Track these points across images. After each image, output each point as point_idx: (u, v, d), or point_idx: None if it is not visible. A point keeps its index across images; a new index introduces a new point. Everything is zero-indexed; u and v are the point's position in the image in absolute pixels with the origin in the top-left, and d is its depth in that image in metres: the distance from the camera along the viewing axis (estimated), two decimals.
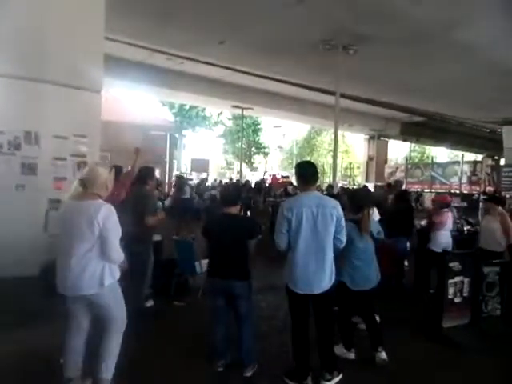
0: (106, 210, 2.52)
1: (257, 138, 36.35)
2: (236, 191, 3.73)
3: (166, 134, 20.10)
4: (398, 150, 38.37)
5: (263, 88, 16.90)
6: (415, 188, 19.85)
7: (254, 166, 38.09)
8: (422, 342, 4.08)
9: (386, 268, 3.95)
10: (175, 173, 23.40)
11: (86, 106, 5.91)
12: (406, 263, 6.19)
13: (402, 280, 5.72)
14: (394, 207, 5.75)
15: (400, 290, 5.48)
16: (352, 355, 3.57)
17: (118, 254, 2.59)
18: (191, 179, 21.00)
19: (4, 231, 5.19)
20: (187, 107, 28.92)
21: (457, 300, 4.37)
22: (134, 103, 23.39)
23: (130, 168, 4.89)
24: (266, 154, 38.85)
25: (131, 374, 2.82)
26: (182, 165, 29.42)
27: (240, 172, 23.69)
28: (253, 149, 36.44)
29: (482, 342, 4.07)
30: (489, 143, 24.83)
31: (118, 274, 2.66)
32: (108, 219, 2.51)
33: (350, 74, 11.00)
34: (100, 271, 2.54)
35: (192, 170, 25.11)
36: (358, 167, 31.06)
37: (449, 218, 5.55)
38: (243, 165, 27.83)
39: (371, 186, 17.16)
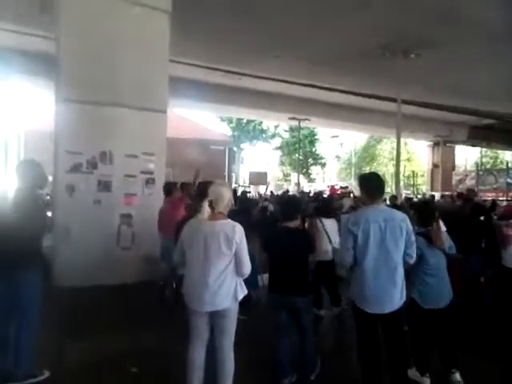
0: (240, 229, 2.69)
1: (313, 149, 36.07)
2: (296, 205, 3.69)
3: (224, 149, 20.71)
4: (466, 156, 35.83)
5: (320, 99, 16.81)
6: (488, 196, 18.33)
7: (312, 177, 37.75)
8: (506, 366, 3.69)
9: (457, 286, 3.67)
10: (234, 185, 23.93)
11: (153, 126, 6.31)
12: (482, 280, 5.69)
13: (480, 300, 5.25)
14: (470, 220, 5.33)
15: (478, 312, 5.03)
16: (427, 381, 3.32)
17: (249, 269, 2.74)
18: (249, 192, 21.30)
19: (82, 242, 5.65)
20: (245, 121, 29.60)
21: None
22: (194, 120, 24.47)
23: (189, 185, 5.20)
24: (323, 165, 38.36)
25: None
26: (241, 178, 30.01)
27: (298, 183, 23.60)
28: (310, 160, 36.17)
29: None
30: None
31: (245, 289, 2.79)
32: (242, 237, 2.69)
33: (411, 80, 10.59)
34: (234, 286, 2.70)
35: (250, 183, 25.50)
36: (422, 175, 29.44)
37: None
38: (300, 176, 27.70)
39: (437, 196, 16.16)
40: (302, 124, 20.53)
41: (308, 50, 10.22)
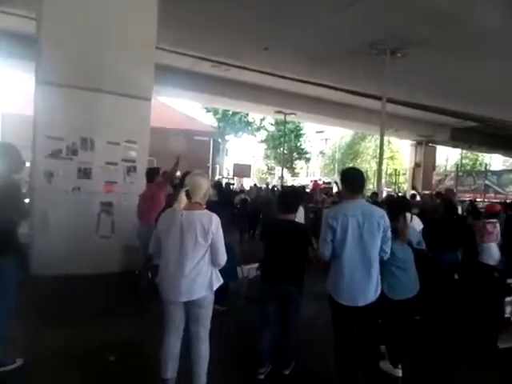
0: (216, 219, 2.69)
1: (298, 144, 36.22)
2: (295, 198, 3.72)
3: (209, 140, 20.57)
4: (448, 157, 36.63)
5: (307, 93, 16.83)
6: (466, 197, 18.82)
7: (296, 171, 37.94)
8: (476, 364, 3.83)
9: (425, 279, 3.81)
10: (217, 177, 23.85)
11: (137, 114, 6.21)
12: (455, 277, 5.86)
13: (451, 295, 5.42)
14: (443, 219, 5.46)
15: (450, 307, 5.20)
16: (399, 371, 3.42)
17: (225, 260, 2.75)
18: (233, 184, 21.26)
19: (60, 230, 5.55)
20: (230, 113, 29.44)
21: None
22: (179, 109, 24.17)
23: (168, 171, 5.30)
24: (307, 160, 38.59)
25: (181, 375, 2.89)
26: (225, 170, 29.91)
27: (282, 177, 23.68)
28: (294, 154, 36.33)
29: None
30: None
31: (221, 279, 2.79)
32: (219, 228, 2.69)
33: (397, 79, 10.68)
34: (210, 276, 2.70)
35: (234, 175, 25.44)
36: (404, 174, 29.96)
37: (498, 229, 5.21)
38: (285, 170, 27.79)
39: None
40: (288, 118, 20.54)
41: (296, 44, 10.20)
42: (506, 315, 4.02)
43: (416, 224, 4.37)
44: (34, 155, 5.79)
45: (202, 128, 21.42)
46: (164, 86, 13.98)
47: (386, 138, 25.49)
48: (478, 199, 18.14)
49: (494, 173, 21.43)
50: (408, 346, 3.60)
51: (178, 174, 5.68)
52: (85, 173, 5.95)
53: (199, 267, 2.64)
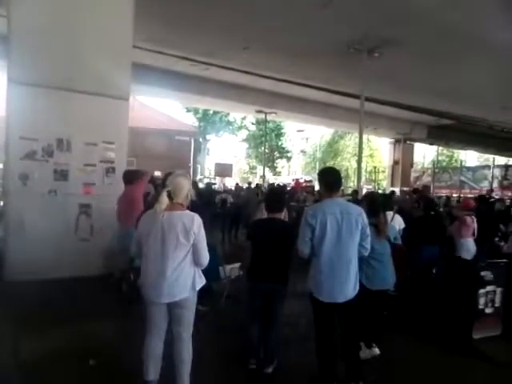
0: (198, 220, 2.68)
1: (280, 143, 36.37)
2: (282, 197, 3.78)
3: (190, 140, 20.42)
4: (425, 154, 37.47)
5: (287, 93, 16.92)
6: (443, 193, 19.31)
7: (277, 170, 38.09)
8: (451, 353, 3.96)
9: (401, 272, 3.98)
10: (199, 177, 23.70)
11: (115, 114, 6.10)
12: (433, 271, 6.02)
13: (429, 288, 5.57)
14: (422, 215, 5.60)
15: (428, 299, 5.34)
16: (376, 350, 3.57)
17: (207, 260, 2.74)
18: (215, 183, 21.19)
19: (37, 234, 5.41)
20: (211, 112, 29.30)
21: (488, 310, 4.22)
22: (159, 109, 23.88)
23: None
24: (288, 159, 38.80)
25: (164, 377, 2.87)
26: (206, 169, 29.76)
27: (263, 176, 23.74)
28: (276, 153, 36.46)
29: (510, 352, 3.93)
30: None
31: (203, 279, 2.78)
32: (201, 228, 2.67)
33: (375, 78, 10.86)
34: (192, 276, 2.69)
35: (216, 175, 25.35)
36: (383, 171, 30.50)
37: (474, 224, 5.38)
38: (266, 169, 27.86)
39: (397, 191, 16.81)
40: (269, 117, 20.61)
41: (276, 43, 10.24)
42: (480, 307, 4.16)
43: (397, 222, 4.49)
44: (7, 157, 5.61)
45: (183, 128, 21.23)
46: (143, 85, 13.81)
47: (365, 136, 25.89)
48: (454, 195, 18.65)
49: (469, 169, 22.04)
50: (384, 333, 3.76)
51: (159, 174, 5.63)
52: (61, 174, 5.80)
53: (181, 268, 2.62)
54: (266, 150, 28.31)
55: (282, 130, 36.04)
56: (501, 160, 26.83)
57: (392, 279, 3.65)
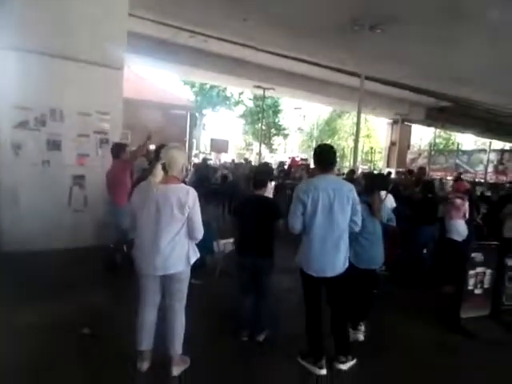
0: (193, 193, 2.66)
1: (277, 120, 35.97)
2: (266, 174, 3.83)
3: (186, 113, 20.09)
4: (422, 136, 37.35)
5: (286, 69, 16.61)
6: (438, 175, 19.37)
7: (274, 147, 37.85)
8: (439, 331, 4.07)
9: (391, 254, 4.03)
10: (194, 152, 23.51)
11: (108, 83, 5.95)
12: (424, 251, 6.10)
13: (422, 268, 5.68)
14: (421, 197, 5.63)
15: (419, 279, 5.45)
16: (360, 336, 3.62)
17: (201, 234, 2.73)
18: (210, 159, 21.05)
19: (31, 205, 5.37)
20: (208, 86, 28.77)
21: (477, 291, 4.30)
22: (155, 81, 23.37)
23: (137, 149, 5.09)
24: (285, 136, 38.50)
25: (157, 347, 2.91)
26: (202, 144, 29.51)
27: (259, 153, 23.60)
28: (272, 130, 36.13)
29: (500, 334, 4.03)
30: None
31: (197, 253, 2.78)
32: (196, 201, 2.66)
33: (376, 56, 10.68)
34: (186, 250, 2.69)
35: (212, 150, 25.15)
36: (380, 152, 30.46)
37: (466, 207, 5.41)
38: (262, 146, 27.69)
39: (393, 172, 16.84)
40: (267, 93, 20.29)
41: (276, 17, 9.95)
42: (470, 287, 4.23)
43: (389, 202, 4.49)
44: None
45: (179, 101, 20.81)
46: (139, 55, 13.46)
47: (363, 116, 25.66)
48: (448, 177, 18.74)
49: (464, 152, 22.03)
50: (372, 311, 3.81)
51: (152, 147, 5.52)
52: (54, 145, 5.71)
53: (176, 241, 2.62)
54: (263, 127, 28.06)
55: (280, 107, 35.58)
56: (497, 144, 26.88)
57: (380, 259, 3.69)
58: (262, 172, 3.97)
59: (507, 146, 27.98)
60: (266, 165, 11.17)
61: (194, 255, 2.75)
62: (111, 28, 5.90)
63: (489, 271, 4.37)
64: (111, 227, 4.92)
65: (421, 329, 4.07)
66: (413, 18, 8.95)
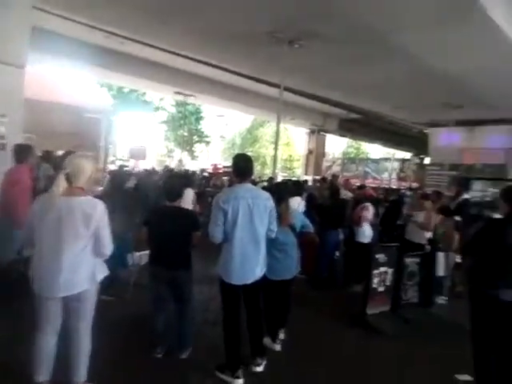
0: (101, 206, 2.44)
1: (199, 127, 35.69)
2: (180, 184, 3.73)
3: (101, 118, 18.95)
4: (336, 145, 39.99)
5: (207, 76, 16.57)
6: (358, 182, 20.86)
7: (195, 154, 37.38)
8: (347, 327, 4.36)
9: (310, 263, 4.18)
10: (111, 159, 22.28)
11: (7, 83, 5.36)
12: (337, 254, 6.50)
13: (333, 271, 6.04)
14: (329, 202, 5.99)
15: (332, 281, 5.79)
16: (278, 347, 3.72)
17: (110, 250, 2.53)
18: (127, 166, 20.09)
19: None
20: (127, 90, 27.54)
21: (380, 289, 4.70)
22: (67, 82, 21.70)
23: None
24: (207, 143, 38.32)
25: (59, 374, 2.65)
26: (119, 151, 28.07)
27: (180, 160, 23.17)
28: (195, 137, 35.75)
29: (399, 327, 4.46)
30: (417, 143, 26.72)
31: (106, 270, 2.58)
32: (103, 215, 2.44)
33: (294, 68, 11.18)
34: (93, 267, 2.47)
35: (130, 157, 24.02)
36: (298, 160, 31.89)
37: (371, 211, 5.90)
38: (185, 153, 27.25)
39: (310, 179, 17.76)
40: (189, 99, 20.07)
41: (196, 22, 9.88)
42: (374, 286, 4.61)
43: (300, 207, 4.70)
44: None
45: (94, 104, 19.60)
46: (49, 54, 12.37)
47: (282, 125, 26.72)
48: (357, 184, 20.28)
49: (373, 160, 24.17)
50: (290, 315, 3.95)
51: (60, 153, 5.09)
52: None
53: (80, 259, 2.40)
54: (185, 134, 27.65)
55: (201, 114, 35.37)
56: (401, 154, 29.87)
57: (295, 268, 3.78)
58: (175, 182, 3.84)
59: (408, 155, 31.24)
60: (186, 172, 10.98)
61: (102, 272, 2.57)
62: (11, 21, 5.34)
63: (390, 270, 4.82)
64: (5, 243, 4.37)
65: (333, 327, 4.35)
66: (329, 37, 9.52)
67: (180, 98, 19.54)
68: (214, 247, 3.21)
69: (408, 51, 9.72)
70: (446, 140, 18.59)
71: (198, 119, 35.00)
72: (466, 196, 6.04)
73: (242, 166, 3.17)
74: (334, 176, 9.79)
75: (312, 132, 26.09)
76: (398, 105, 16.67)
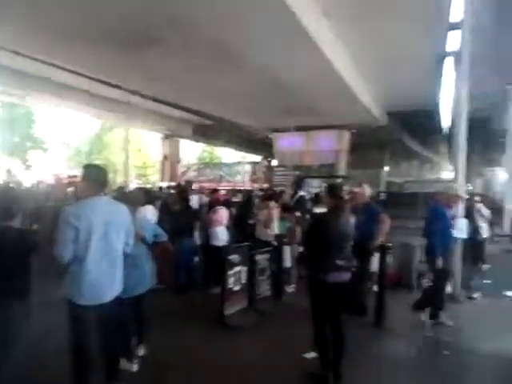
0: None
1: (31, 131, 30.65)
2: (14, 201, 3.16)
3: None
4: (193, 150, 40.35)
5: (46, 75, 14.50)
6: (209, 186, 21.32)
7: (28, 164, 31.92)
8: (208, 330, 4.45)
9: (166, 268, 4.10)
10: None
11: None
12: (196, 259, 6.52)
13: (192, 276, 6.04)
14: (179, 208, 5.98)
15: (191, 286, 5.79)
16: (134, 366, 3.54)
17: None
18: None
19: None
20: None
21: (236, 288, 4.90)
22: None
23: None
24: (45, 150, 33.38)
25: None
26: None
27: (9, 170, 19.63)
28: (28, 143, 30.72)
29: (255, 321, 4.73)
30: (265, 147, 29.04)
31: None
32: None
33: (145, 73, 10.79)
34: None
35: None
36: (153, 166, 30.99)
37: (224, 214, 6.12)
38: (17, 162, 23.37)
39: (166, 186, 17.40)
40: (22, 101, 17.27)
41: (37, 16, 8.59)
42: (229, 286, 4.78)
43: (151, 217, 4.53)
44: None
45: None
46: None
47: (135, 131, 25.55)
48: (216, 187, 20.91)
49: (226, 165, 25.23)
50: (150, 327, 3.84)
51: None
52: None
53: None
54: (16, 139, 23.75)
55: (33, 117, 30.54)
56: (252, 157, 31.99)
57: (148, 282, 3.64)
58: (8, 200, 3.26)
59: (258, 158, 33.67)
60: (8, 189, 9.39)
61: None
62: None
63: (244, 269, 5.07)
64: None
65: (194, 332, 4.35)
66: (179, 45, 9.53)
67: (10, 99, 16.64)
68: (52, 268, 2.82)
69: (250, 62, 10.44)
70: (288, 144, 20.75)
71: (31, 122, 30.14)
72: (301, 193, 6.78)
73: (95, 178, 2.88)
74: (188, 182, 9.80)
75: (166, 137, 25.67)
76: (245, 112, 17.84)
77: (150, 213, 4.70)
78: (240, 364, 3.76)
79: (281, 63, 10.41)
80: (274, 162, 24.01)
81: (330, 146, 19.57)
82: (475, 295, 5.98)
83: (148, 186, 18.94)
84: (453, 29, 8.66)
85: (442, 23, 8.66)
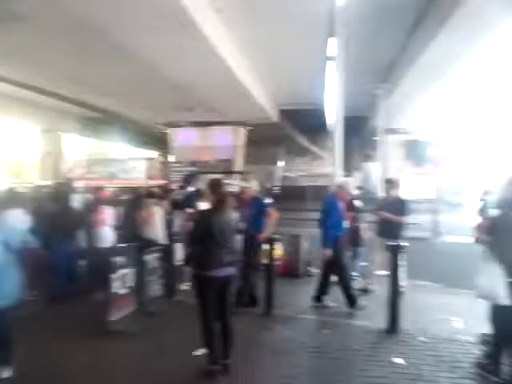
0: None
1: None
2: None
3: None
4: (78, 146, 36.89)
5: None
6: (96, 184, 19.72)
7: None
8: (92, 340, 4.12)
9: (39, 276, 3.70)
10: None
11: None
12: (81, 263, 5.99)
13: (75, 282, 5.57)
14: (56, 209, 5.41)
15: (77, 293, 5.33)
16: (5, 373, 3.23)
17: None
18: None
19: None
20: None
21: (122, 291, 4.61)
22: None
23: None
24: None
25: None
26: None
27: None
28: None
29: (144, 324, 4.53)
30: (161, 142, 28.01)
31: None
32: None
33: (8, 54, 9.40)
34: None
35: None
36: (32, 163, 27.58)
37: (109, 214, 5.75)
38: None
39: (47, 185, 15.62)
40: None
41: None
42: (115, 290, 4.48)
43: (19, 221, 4.03)
44: None
45: None
46: None
47: (8, 124, 22.30)
48: (107, 185, 19.46)
49: (119, 161, 23.67)
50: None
51: None
52: None
53: None
54: None
55: None
56: (148, 153, 30.47)
57: (16, 293, 3.22)
58: None
59: (155, 154, 32.33)
60: None
61: None
62: None
63: (132, 270, 4.80)
64: None
65: (75, 343, 4.00)
66: (42, 22, 8.41)
67: None
68: None
69: (133, 54, 9.83)
70: (184, 139, 20.41)
71: None
72: (191, 189, 6.68)
73: None
74: (68, 179, 8.92)
75: (47, 131, 22.98)
76: (136, 106, 16.98)
77: (17, 217, 4.16)
78: (123, 370, 3.58)
79: (169, 59, 10.10)
80: (171, 158, 23.34)
81: (227, 141, 19.81)
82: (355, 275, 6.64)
83: (24, 185, 16.72)
84: (332, 36, 9.41)
85: (324, 29, 9.30)
